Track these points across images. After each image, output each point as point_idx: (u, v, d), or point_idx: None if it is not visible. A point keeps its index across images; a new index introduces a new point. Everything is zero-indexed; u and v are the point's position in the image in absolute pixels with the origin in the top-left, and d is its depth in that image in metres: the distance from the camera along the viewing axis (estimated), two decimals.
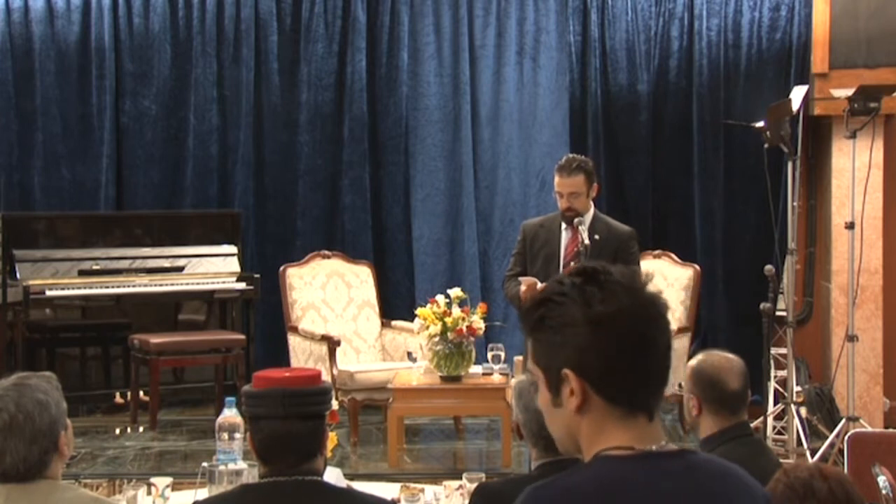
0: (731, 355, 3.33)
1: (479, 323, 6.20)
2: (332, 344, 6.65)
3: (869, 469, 3.49)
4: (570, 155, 5.32)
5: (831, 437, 6.21)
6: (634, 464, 1.62)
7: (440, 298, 6.26)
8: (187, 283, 7.39)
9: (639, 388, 1.65)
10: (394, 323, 7.27)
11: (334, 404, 4.00)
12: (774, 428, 6.49)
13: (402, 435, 6.29)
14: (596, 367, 1.62)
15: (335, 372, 6.55)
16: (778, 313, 6.47)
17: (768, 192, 6.96)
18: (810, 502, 2.09)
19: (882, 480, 3.38)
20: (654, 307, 1.65)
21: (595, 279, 1.64)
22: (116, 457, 6.32)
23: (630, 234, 5.21)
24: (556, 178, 5.10)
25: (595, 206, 5.22)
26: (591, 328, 1.61)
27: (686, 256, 7.31)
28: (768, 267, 5.97)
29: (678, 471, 1.64)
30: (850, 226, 6.47)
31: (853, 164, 6.58)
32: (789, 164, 6.69)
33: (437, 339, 6.07)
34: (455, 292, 6.29)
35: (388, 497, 3.37)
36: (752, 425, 3.51)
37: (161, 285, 7.33)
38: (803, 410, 6.45)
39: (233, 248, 7.59)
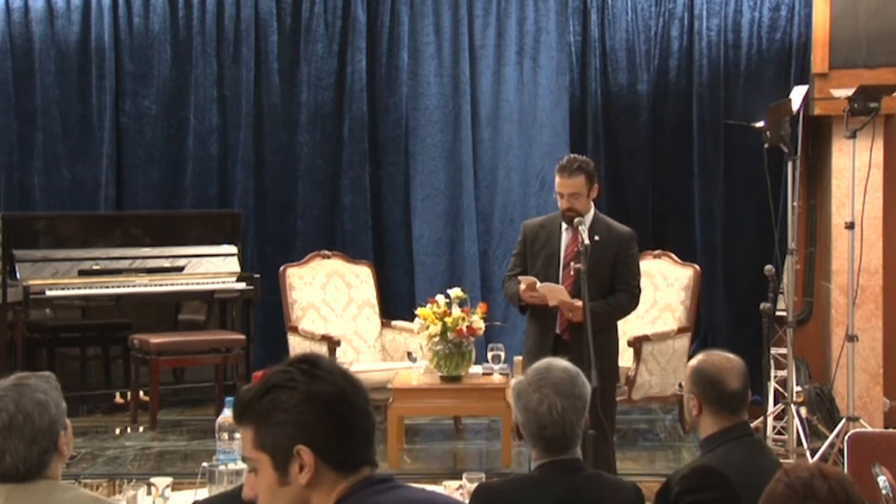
0: (731, 355, 3.33)
1: (479, 323, 6.20)
2: (332, 344, 6.65)
3: (869, 469, 3.49)
4: (572, 155, 5.32)
5: (831, 437, 6.21)
6: (387, 488, 1.88)
7: (440, 298, 6.26)
8: (187, 283, 7.39)
9: (362, 450, 1.88)
10: (394, 323, 7.27)
11: None
12: (774, 428, 6.49)
13: (402, 435, 6.29)
14: (326, 440, 1.83)
15: None
16: (778, 313, 6.47)
17: (768, 192, 6.96)
18: (810, 502, 2.09)
19: (882, 480, 3.38)
20: (363, 391, 1.91)
21: (316, 366, 1.87)
22: (116, 457, 6.32)
23: (630, 234, 5.20)
24: (557, 179, 5.10)
25: (595, 206, 5.21)
26: (320, 406, 1.83)
27: (686, 256, 7.31)
28: (768, 267, 5.97)
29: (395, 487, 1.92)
30: (850, 226, 6.47)
31: (853, 164, 6.58)
32: (789, 164, 6.69)
33: (437, 339, 6.07)
34: (455, 292, 6.29)
35: None
36: (752, 425, 3.50)
37: (161, 285, 7.33)
38: (803, 410, 6.46)
39: (233, 248, 7.59)
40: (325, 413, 1.83)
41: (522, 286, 4.97)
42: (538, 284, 4.96)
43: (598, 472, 3.20)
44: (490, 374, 6.30)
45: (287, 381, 1.84)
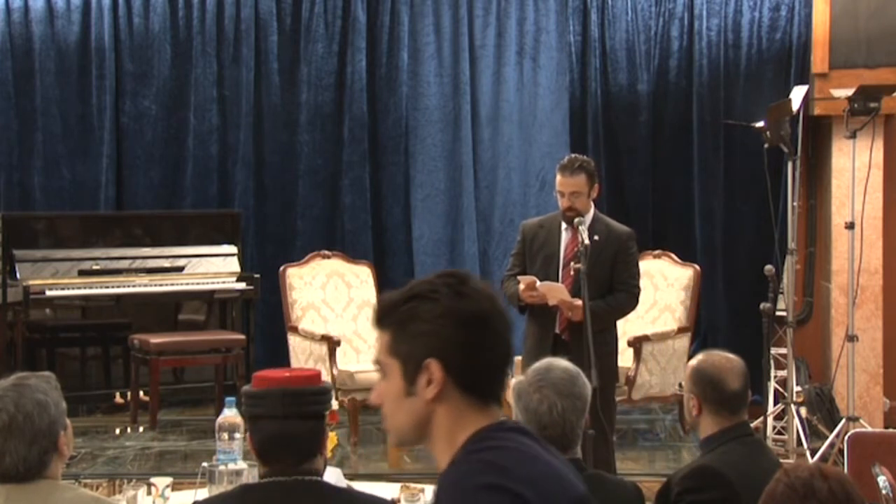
0: (731, 355, 3.33)
1: None
2: (332, 344, 6.65)
3: (869, 469, 3.49)
4: (573, 154, 5.32)
5: (831, 437, 6.21)
6: (509, 430, 1.82)
7: None
8: (187, 283, 7.39)
9: (493, 381, 1.84)
10: None
11: (334, 404, 4.00)
12: (774, 428, 6.49)
13: None
14: (459, 359, 1.79)
15: (335, 372, 6.55)
16: (778, 313, 6.48)
17: (768, 192, 6.96)
18: (810, 502, 2.09)
19: (882, 480, 3.38)
20: (507, 316, 1.87)
21: (464, 283, 1.83)
22: (116, 457, 6.32)
23: (629, 234, 5.21)
24: (558, 178, 5.10)
25: (595, 206, 5.22)
26: (459, 323, 1.79)
27: (686, 256, 7.31)
28: (768, 267, 5.97)
29: (541, 441, 1.87)
30: (850, 226, 6.47)
31: (853, 164, 6.58)
32: (789, 164, 6.69)
33: None
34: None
35: (388, 497, 3.37)
36: (752, 425, 3.51)
37: (161, 285, 7.33)
38: (803, 410, 6.46)
39: (233, 248, 7.59)
40: (464, 331, 1.79)
41: (522, 286, 4.97)
42: (538, 283, 4.96)
43: (599, 472, 3.21)
44: None
45: (431, 292, 1.82)
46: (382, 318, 1.85)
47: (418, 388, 1.80)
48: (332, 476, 3.30)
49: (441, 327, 1.79)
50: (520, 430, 1.86)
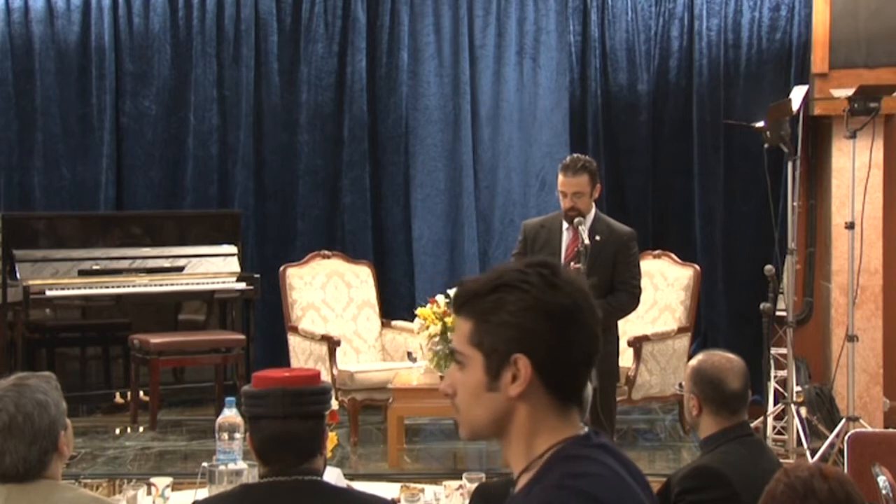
0: (731, 355, 3.33)
1: None
2: (332, 344, 6.65)
3: (869, 469, 3.49)
4: (575, 155, 5.33)
5: (831, 437, 6.21)
6: (594, 447, 1.71)
7: (440, 298, 6.26)
8: (187, 283, 7.39)
9: (578, 380, 1.72)
10: (394, 323, 7.27)
11: (334, 404, 4.00)
12: (774, 428, 6.49)
13: (402, 435, 6.29)
14: (547, 356, 1.67)
15: (335, 372, 6.55)
16: (778, 313, 6.48)
17: (768, 192, 6.96)
18: (810, 502, 2.09)
19: (882, 480, 3.37)
20: (597, 311, 1.75)
21: (556, 274, 1.70)
22: (116, 457, 6.32)
23: (630, 235, 5.21)
24: (560, 178, 5.10)
25: (595, 206, 5.22)
26: (549, 317, 1.67)
27: (686, 256, 7.31)
28: (768, 267, 5.97)
29: (623, 458, 1.74)
30: (850, 226, 6.47)
31: (853, 164, 6.58)
32: (789, 164, 6.69)
33: (436, 339, 6.07)
34: (455, 292, 6.27)
35: (388, 497, 3.37)
36: (752, 425, 3.50)
37: (161, 285, 7.33)
38: (803, 410, 6.45)
39: (233, 248, 7.59)
40: (554, 325, 1.67)
41: None
42: None
43: None
44: None
45: (521, 282, 1.68)
46: (465, 304, 1.73)
47: (502, 384, 1.68)
48: (332, 476, 3.30)
49: (530, 320, 1.67)
50: (605, 448, 1.73)
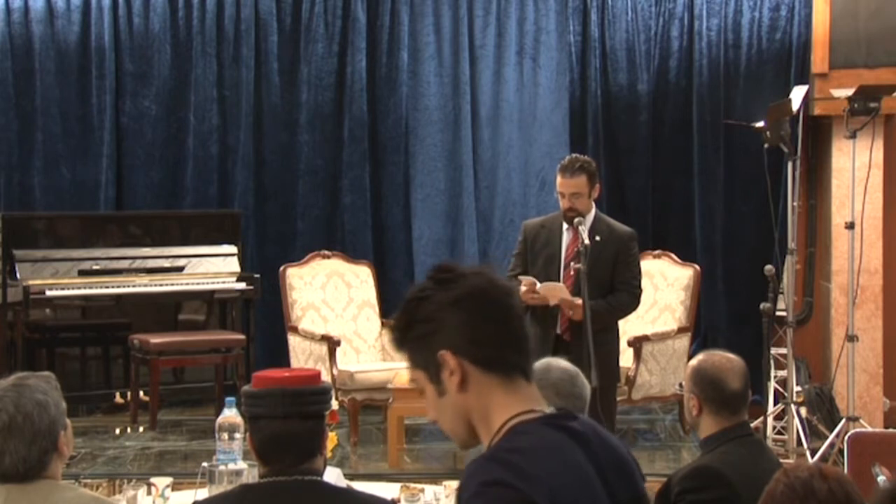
0: (731, 355, 3.33)
1: None
2: (332, 344, 6.65)
3: (869, 469, 3.49)
4: (573, 155, 5.33)
5: (831, 437, 6.21)
6: (549, 426, 1.77)
7: None
8: (187, 283, 7.38)
9: (508, 352, 1.81)
10: None
11: (334, 404, 4.00)
12: (774, 428, 6.49)
13: (402, 435, 6.29)
14: (467, 340, 1.78)
15: (335, 372, 6.55)
16: (778, 313, 6.48)
17: (768, 192, 6.96)
18: (810, 502, 2.09)
19: (882, 480, 3.37)
20: (501, 282, 1.85)
21: (448, 270, 1.84)
22: (116, 457, 6.32)
23: (631, 235, 5.21)
24: (559, 178, 5.10)
25: (596, 206, 5.22)
26: (454, 307, 1.79)
27: (686, 256, 7.31)
28: (768, 267, 5.97)
29: (588, 433, 1.81)
30: (850, 226, 6.47)
31: (853, 164, 6.58)
32: (789, 164, 6.69)
33: None
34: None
35: (388, 497, 3.37)
36: (752, 425, 3.50)
37: (161, 285, 7.33)
38: (803, 410, 6.45)
39: (233, 248, 7.59)
40: (460, 313, 1.79)
41: (523, 288, 4.97)
42: (538, 286, 4.96)
43: None
44: None
45: (420, 293, 1.83)
46: (397, 341, 1.87)
47: (445, 385, 1.80)
48: (332, 476, 3.30)
49: (438, 319, 1.79)
50: (561, 427, 1.79)
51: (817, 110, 7.23)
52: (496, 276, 1.85)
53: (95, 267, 7.25)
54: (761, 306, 5.84)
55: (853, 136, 6.37)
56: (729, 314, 7.63)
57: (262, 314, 7.64)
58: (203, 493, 3.45)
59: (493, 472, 1.69)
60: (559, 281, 5.04)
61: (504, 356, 1.81)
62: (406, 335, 1.84)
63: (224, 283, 7.44)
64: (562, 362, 3.10)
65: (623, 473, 1.85)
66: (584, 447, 1.79)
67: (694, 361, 3.35)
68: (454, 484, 3.84)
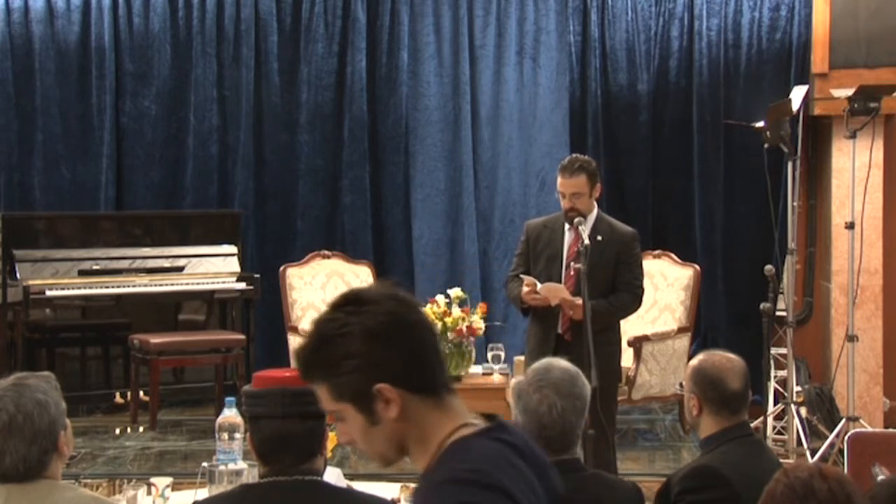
0: (731, 355, 3.33)
1: (479, 323, 6.19)
2: None
3: (869, 469, 3.49)
4: (573, 155, 5.32)
5: (831, 437, 6.21)
6: (489, 439, 1.81)
7: (440, 298, 6.25)
8: (187, 283, 7.39)
9: (437, 370, 1.84)
10: None
11: None
12: (774, 428, 6.49)
13: None
14: (400, 369, 1.79)
15: None
16: (778, 313, 6.48)
17: (768, 192, 6.96)
18: (810, 502, 2.09)
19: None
20: (407, 297, 1.86)
21: (360, 302, 1.82)
22: (116, 457, 6.32)
23: (633, 235, 5.21)
24: (559, 179, 5.10)
25: (597, 206, 5.22)
26: (378, 339, 1.79)
27: (686, 256, 7.31)
28: (768, 267, 5.97)
29: (520, 444, 1.85)
30: (850, 226, 6.47)
31: (853, 164, 6.58)
32: (789, 164, 6.69)
33: None
34: (455, 292, 6.28)
35: (388, 497, 3.37)
36: (752, 425, 3.50)
37: (161, 285, 7.33)
38: (803, 410, 6.46)
39: (233, 248, 7.59)
40: (388, 344, 1.79)
41: (525, 288, 4.97)
42: (538, 286, 4.96)
43: (598, 472, 3.20)
44: (490, 374, 6.29)
45: (340, 329, 1.80)
46: (307, 373, 1.85)
47: (380, 415, 1.80)
48: (332, 476, 3.30)
49: (367, 353, 1.79)
50: (494, 438, 1.84)
51: (817, 110, 7.23)
52: (399, 292, 1.85)
53: (95, 267, 7.25)
54: (761, 306, 5.83)
55: (853, 136, 6.37)
56: (729, 314, 7.63)
57: (262, 314, 7.65)
58: (203, 493, 3.45)
59: (465, 494, 1.71)
60: (561, 281, 5.04)
61: (434, 376, 1.83)
62: (329, 372, 1.81)
63: (224, 283, 7.44)
64: (562, 362, 3.10)
65: (548, 480, 1.91)
66: (522, 457, 1.84)
67: (694, 361, 3.35)
68: None
